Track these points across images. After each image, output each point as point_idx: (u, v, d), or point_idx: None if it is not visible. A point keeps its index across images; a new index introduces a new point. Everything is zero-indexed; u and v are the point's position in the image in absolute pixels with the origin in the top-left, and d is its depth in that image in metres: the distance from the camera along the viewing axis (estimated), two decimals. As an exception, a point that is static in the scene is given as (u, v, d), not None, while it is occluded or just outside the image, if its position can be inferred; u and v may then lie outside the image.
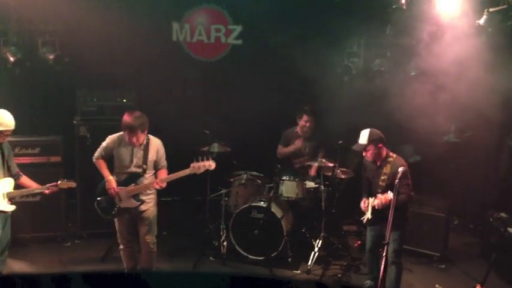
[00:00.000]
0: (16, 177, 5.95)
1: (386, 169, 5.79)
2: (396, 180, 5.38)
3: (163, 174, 6.02)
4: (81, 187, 7.05)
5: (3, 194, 5.71)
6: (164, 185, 5.95)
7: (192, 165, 5.91)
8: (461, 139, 8.14)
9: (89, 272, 4.74)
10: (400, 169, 5.47)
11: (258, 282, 2.02)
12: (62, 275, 1.87)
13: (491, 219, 7.17)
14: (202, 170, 5.95)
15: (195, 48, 8.83)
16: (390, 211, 5.19)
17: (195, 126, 7.67)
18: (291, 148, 7.83)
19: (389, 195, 5.46)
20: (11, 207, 5.80)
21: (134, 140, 5.83)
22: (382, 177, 5.78)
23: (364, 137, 5.85)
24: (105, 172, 5.98)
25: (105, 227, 6.43)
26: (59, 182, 5.95)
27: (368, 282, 6.24)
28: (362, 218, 6.00)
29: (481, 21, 7.01)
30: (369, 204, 5.84)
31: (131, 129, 5.79)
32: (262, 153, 8.22)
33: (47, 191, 5.92)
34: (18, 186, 5.95)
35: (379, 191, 5.73)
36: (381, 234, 5.67)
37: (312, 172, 7.60)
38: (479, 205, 8.06)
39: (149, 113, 6.02)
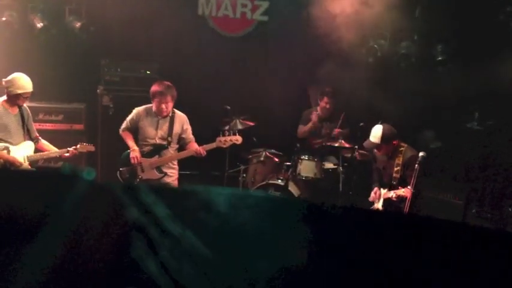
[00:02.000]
0: (35, 141, 6.04)
1: (399, 160, 5.68)
2: (416, 165, 5.36)
3: (194, 146, 6.07)
4: (103, 156, 7.13)
5: (24, 157, 5.81)
6: (205, 152, 5.98)
7: (218, 139, 5.97)
8: (484, 127, 8.03)
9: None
10: (421, 153, 5.44)
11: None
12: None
13: (510, 209, 7.11)
14: (228, 144, 6.01)
15: (220, 22, 8.78)
16: (407, 203, 5.21)
17: (217, 101, 7.69)
18: (308, 126, 7.78)
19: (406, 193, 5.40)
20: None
21: (163, 106, 5.88)
22: (396, 168, 5.67)
23: (376, 135, 5.66)
24: (130, 142, 6.05)
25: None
26: (79, 145, 6.03)
27: None
28: (370, 208, 5.96)
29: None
30: (380, 195, 5.80)
31: (161, 94, 5.86)
32: (283, 131, 8.20)
33: (66, 154, 6.01)
34: (36, 150, 6.04)
35: (394, 182, 5.65)
36: None
37: (337, 131, 7.50)
38: (498, 194, 7.99)
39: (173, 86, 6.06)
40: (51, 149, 6.09)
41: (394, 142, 5.69)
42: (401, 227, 1.94)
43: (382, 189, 5.84)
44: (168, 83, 6.00)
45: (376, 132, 5.67)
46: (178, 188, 2.70)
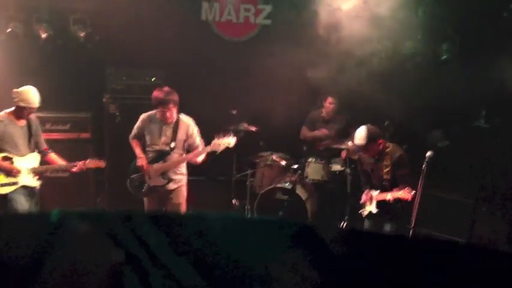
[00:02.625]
0: (44, 154, 6.05)
1: (387, 161, 5.60)
2: (424, 165, 5.33)
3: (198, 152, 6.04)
4: (110, 164, 7.14)
5: (28, 169, 5.82)
6: (196, 160, 5.96)
7: (212, 142, 5.91)
8: (491, 125, 7.99)
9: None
10: (428, 153, 5.39)
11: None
12: (125, 213, 1.96)
13: (519, 207, 7.07)
14: (222, 148, 5.91)
15: (224, 27, 8.80)
16: (416, 202, 5.19)
17: (223, 105, 7.70)
18: (314, 133, 7.78)
19: (412, 192, 5.35)
20: (36, 183, 5.92)
21: (168, 115, 5.86)
22: (385, 170, 5.60)
23: (361, 136, 5.55)
24: (138, 150, 6.06)
25: (133, 205, 6.53)
26: (88, 160, 6.02)
27: None
28: (361, 211, 5.90)
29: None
30: (372, 196, 5.76)
31: (164, 104, 5.82)
32: (289, 134, 8.20)
33: (74, 169, 5.99)
34: (45, 162, 6.05)
35: (386, 184, 5.58)
36: (380, 227, 5.66)
37: (343, 155, 7.52)
38: (507, 192, 7.94)
39: (177, 92, 6.06)
40: (59, 162, 6.11)
41: (380, 141, 5.61)
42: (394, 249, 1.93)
43: (373, 191, 5.79)
44: (168, 88, 5.95)
45: (360, 134, 5.56)
46: (173, 215, 2.67)
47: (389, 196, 5.48)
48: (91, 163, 6.04)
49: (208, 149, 5.92)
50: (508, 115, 7.71)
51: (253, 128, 7.43)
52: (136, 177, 6.06)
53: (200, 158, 5.99)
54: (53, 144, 6.27)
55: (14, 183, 5.77)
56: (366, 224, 5.95)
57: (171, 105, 5.85)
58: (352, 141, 5.74)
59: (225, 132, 5.97)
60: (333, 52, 7.76)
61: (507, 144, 7.71)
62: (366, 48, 8.29)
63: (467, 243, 4.41)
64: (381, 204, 5.65)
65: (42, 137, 6.16)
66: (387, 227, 5.56)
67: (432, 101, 7.71)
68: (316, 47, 8.21)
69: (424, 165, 5.34)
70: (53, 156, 6.13)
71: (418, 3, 7.80)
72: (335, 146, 7.50)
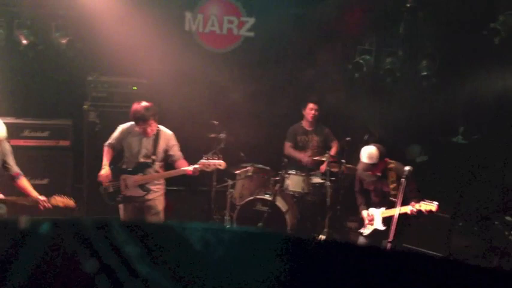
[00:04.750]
0: (15, 179, 5.71)
1: (392, 176, 5.67)
2: (402, 179, 5.39)
3: (184, 164, 5.98)
4: (89, 172, 7.09)
5: None
6: (198, 172, 5.89)
7: (201, 162, 5.88)
8: (469, 141, 8.12)
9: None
10: (407, 168, 5.47)
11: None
12: (101, 221, 1.91)
13: (496, 223, 7.16)
14: (211, 168, 5.93)
15: (207, 38, 8.83)
16: (394, 217, 5.22)
17: (204, 116, 7.71)
18: (297, 155, 7.80)
19: (434, 205, 5.38)
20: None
21: (149, 130, 5.82)
22: (392, 186, 5.65)
23: (372, 156, 5.60)
24: (105, 160, 5.98)
25: (111, 214, 6.47)
26: (56, 197, 5.70)
27: None
28: (362, 230, 5.92)
29: (495, 23, 6.98)
30: (374, 217, 5.78)
31: (144, 120, 5.77)
32: (270, 146, 8.23)
33: (40, 206, 5.61)
34: (14, 187, 5.78)
35: (395, 199, 5.53)
36: (375, 243, 5.69)
37: (323, 168, 7.56)
38: (484, 208, 8.05)
39: (158, 102, 6.05)
40: (29, 191, 5.70)
41: (386, 159, 5.72)
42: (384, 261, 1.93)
43: (374, 209, 5.81)
44: (146, 103, 5.82)
45: (371, 153, 5.61)
46: (152, 224, 2.64)
47: (409, 208, 5.43)
48: (57, 201, 5.69)
49: (198, 167, 5.86)
50: (486, 131, 7.85)
51: (234, 139, 7.43)
52: (109, 184, 5.98)
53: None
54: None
55: None
56: (362, 241, 5.94)
57: (151, 121, 5.81)
58: (361, 160, 5.72)
59: (213, 154, 5.98)
60: (315, 66, 7.85)
61: (484, 160, 7.83)
62: (347, 62, 8.40)
63: (444, 257, 4.43)
64: (387, 220, 5.62)
65: (13, 160, 5.75)
66: (384, 244, 5.53)
67: (411, 116, 7.82)
68: (299, 61, 8.31)
69: (403, 180, 5.40)
70: (23, 183, 5.75)
71: (399, 20, 7.91)
72: (316, 158, 7.53)
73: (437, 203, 5.41)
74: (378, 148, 5.65)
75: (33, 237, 1.84)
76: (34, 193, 5.69)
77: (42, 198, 5.61)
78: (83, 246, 1.83)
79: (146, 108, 5.78)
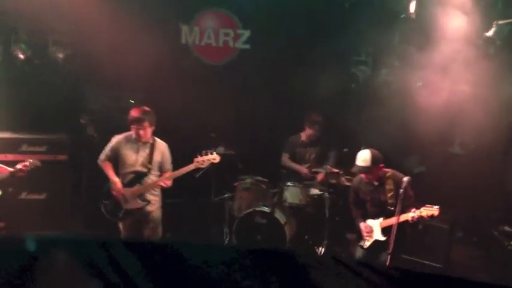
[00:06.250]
0: None
1: (389, 185, 5.65)
2: (401, 190, 5.38)
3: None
4: (87, 186, 7.07)
5: None
6: (170, 183, 5.97)
7: (195, 159, 5.92)
8: (466, 151, 8.13)
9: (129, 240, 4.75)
10: (405, 178, 5.47)
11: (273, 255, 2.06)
12: (103, 242, 1.91)
13: (495, 233, 7.15)
14: (206, 164, 5.96)
15: (203, 51, 8.86)
16: (393, 228, 5.21)
17: (202, 129, 7.72)
18: (296, 167, 7.81)
19: (435, 209, 5.36)
20: None
21: (142, 133, 5.86)
22: (389, 194, 5.63)
23: (365, 158, 5.61)
24: (111, 174, 6.00)
25: (109, 226, 6.44)
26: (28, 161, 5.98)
27: None
28: (361, 243, 5.87)
29: (490, 33, 7.01)
30: (372, 228, 5.76)
31: (139, 121, 5.83)
32: (268, 158, 8.23)
33: (21, 172, 5.93)
34: None
35: (392, 208, 5.53)
36: (374, 256, 5.67)
37: (319, 178, 7.57)
38: (484, 218, 8.05)
39: (156, 114, 6.06)
40: (4, 169, 6.00)
41: (381, 165, 5.69)
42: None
43: (372, 220, 5.80)
44: (145, 108, 5.98)
45: (365, 156, 5.63)
46: (152, 243, 2.64)
47: (411, 215, 5.39)
48: (32, 163, 5.99)
49: (192, 166, 5.92)
50: (482, 142, 7.86)
51: (231, 151, 7.43)
52: (109, 202, 6.00)
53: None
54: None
55: None
56: (360, 253, 5.90)
57: (145, 124, 5.86)
58: (355, 163, 5.75)
59: (206, 151, 6.00)
60: (311, 77, 7.87)
61: (481, 170, 7.84)
62: (343, 73, 8.43)
63: (444, 275, 4.40)
64: (387, 230, 5.58)
65: None
66: (383, 256, 5.50)
67: (408, 127, 7.82)
68: (294, 72, 8.33)
69: (400, 191, 5.40)
70: None
71: (395, 31, 7.95)
72: (314, 170, 7.54)
73: (438, 207, 5.38)
74: (372, 152, 5.64)
75: (42, 260, 1.84)
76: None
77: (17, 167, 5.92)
78: (87, 266, 1.83)
79: (143, 111, 5.90)
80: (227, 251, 2.01)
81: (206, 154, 5.96)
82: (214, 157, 5.98)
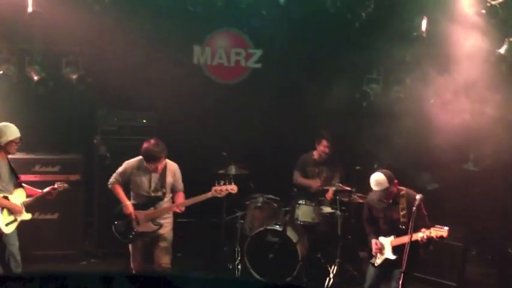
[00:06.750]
0: (21, 186, 6.04)
1: (403, 203, 5.58)
2: (414, 208, 5.34)
3: (180, 197, 6.05)
4: (100, 206, 7.10)
5: (21, 204, 5.82)
6: (183, 208, 5.97)
7: (214, 188, 5.93)
8: (480, 168, 8.06)
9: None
10: (418, 196, 5.43)
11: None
12: (106, 275, 1.90)
13: (510, 251, 7.05)
14: (224, 193, 5.98)
15: (215, 71, 8.92)
16: (406, 246, 5.17)
17: (214, 148, 7.75)
18: (308, 182, 7.80)
19: (445, 230, 5.30)
20: (29, 216, 5.99)
21: (160, 167, 5.87)
22: (402, 213, 5.57)
23: (381, 182, 5.51)
24: (123, 197, 6.01)
25: (121, 247, 6.45)
26: (56, 184, 6.06)
27: None
28: (372, 261, 5.79)
29: (502, 50, 6.99)
30: (383, 245, 5.71)
31: (156, 158, 5.82)
32: (279, 176, 8.22)
33: (49, 195, 6.02)
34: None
35: (403, 227, 5.49)
36: (386, 274, 5.62)
37: (329, 196, 7.55)
38: (498, 235, 7.95)
39: (168, 134, 6.11)
40: (35, 192, 6.07)
41: (395, 181, 5.63)
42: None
43: (383, 238, 5.74)
44: (156, 142, 5.88)
45: (379, 179, 5.53)
46: (155, 276, 2.64)
47: (421, 235, 5.33)
48: (60, 186, 6.06)
49: (209, 195, 5.93)
50: (496, 158, 7.79)
51: (243, 170, 7.43)
52: (121, 223, 6.00)
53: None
54: (43, 186, 6.21)
55: (15, 221, 5.81)
56: (372, 271, 5.84)
57: (162, 158, 5.88)
58: (373, 189, 5.64)
59: (224, 180, 6.01)
60: (323, 95, 7.89)
61: (495, 187, 7.76)
62: (355, 91, 8.43)
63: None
64: (397, 249, 5.53)
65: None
66: (397, 274, 5.45)
67: (421, 144, 7.78)
68: (306, 90, 8.36)
69: (413, 208, 5.36)
70: (27, 186, 6.10)
71: (406, 48, 7.95)
72: (325, 188, 7.51)
73: (448, 228, 5.32)
74: (384, 173, 5.58)
75: None
76: (39, 191, 6.08)
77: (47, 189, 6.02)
78: None
79: (156, 145, 5.84)
80: (235, 285, 1.98)
81: (225, 184, 5.97)
82: (232, 187, 6.00)
